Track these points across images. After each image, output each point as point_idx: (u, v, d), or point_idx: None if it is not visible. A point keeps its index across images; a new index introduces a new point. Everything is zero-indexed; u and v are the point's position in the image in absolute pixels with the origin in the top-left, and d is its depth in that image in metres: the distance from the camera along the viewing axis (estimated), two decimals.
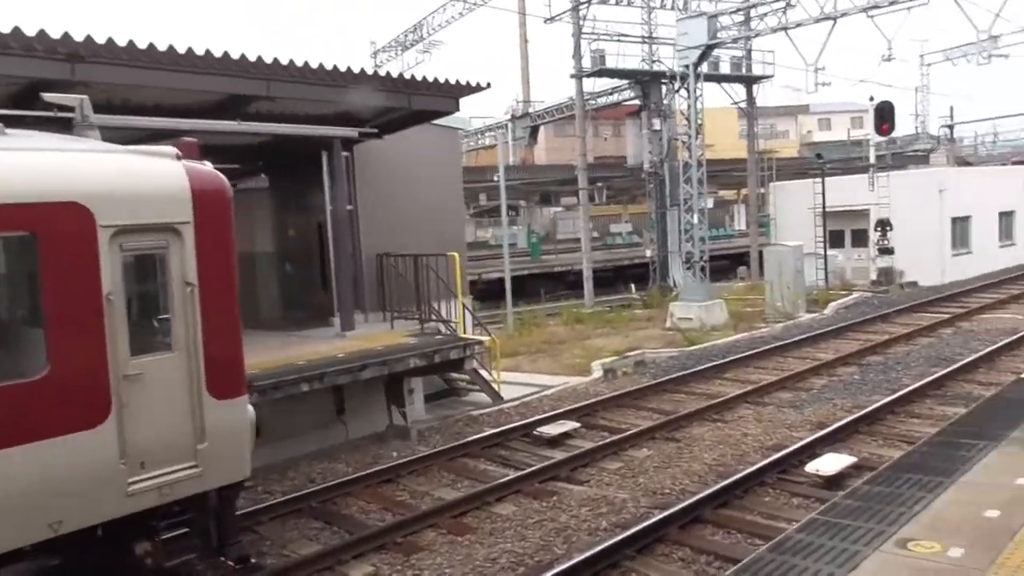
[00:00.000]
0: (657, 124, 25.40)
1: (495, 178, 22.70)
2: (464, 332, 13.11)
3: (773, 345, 16.26)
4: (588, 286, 26.22)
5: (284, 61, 9.68)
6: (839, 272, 26.20)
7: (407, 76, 10.78)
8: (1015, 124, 41.17)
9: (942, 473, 6.03)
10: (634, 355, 16.15)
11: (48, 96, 6.17)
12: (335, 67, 9.83)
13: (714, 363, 14.81)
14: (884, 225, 23.77)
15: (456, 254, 12.05)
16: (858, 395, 11.94)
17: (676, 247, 24.93)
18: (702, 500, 7.65)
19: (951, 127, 35.37)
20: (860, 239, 26.55)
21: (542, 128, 42.73)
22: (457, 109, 11.70)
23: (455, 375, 14.16)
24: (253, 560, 6.59)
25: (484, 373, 14.25)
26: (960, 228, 26.44)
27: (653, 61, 26.31)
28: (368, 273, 13.44)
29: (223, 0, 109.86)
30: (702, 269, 20.84)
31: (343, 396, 11.50)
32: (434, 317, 12.36)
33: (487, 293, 30.64)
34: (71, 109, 6.11)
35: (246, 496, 8.91)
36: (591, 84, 28.08)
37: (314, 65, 9.87)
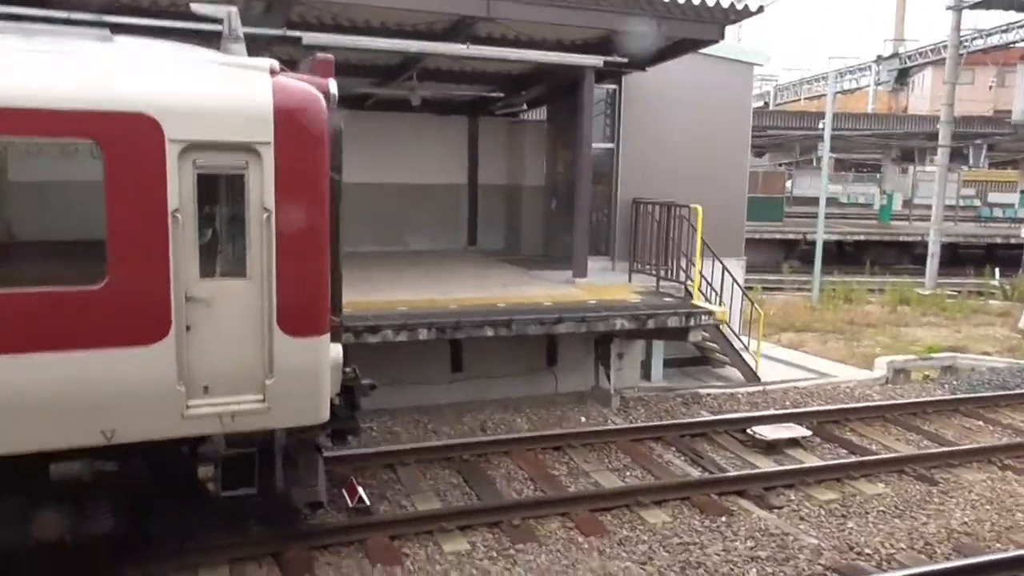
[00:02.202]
0: None
1: (820, 125, 19.64)
2: (705, 298, 11.43)
3: None
4: (932, 263, 21.99)
5: None
6: None
7: None
8: None
9: None
10: (944, 357, 13.00)
11: (195, 6, 6.05)
12: None
13: None
14: None
15: (699, 208, 10.35)
16: None
17: None
18: None
19: None
20: None
21: (928, 72, 36.36)
22: (720, 37, 9.80)
23: (711, 343, 12.61)
24: (324, 508, 6.23)
25: (741, 345, 12.56)
26: None
27: None
28: (627, 219, 12.33)
29: None
30: None
31: (556, 346, 10.75)
32: (670, 276, 10.90)
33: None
34: (219, 21, 5.91)
35: (404, 430, 8.76)
36: (979, 19, 22.85)
37: None
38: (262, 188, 5.21)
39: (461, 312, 8.97)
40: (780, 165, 39.03)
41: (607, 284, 11.20)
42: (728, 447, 8.79)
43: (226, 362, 5.30)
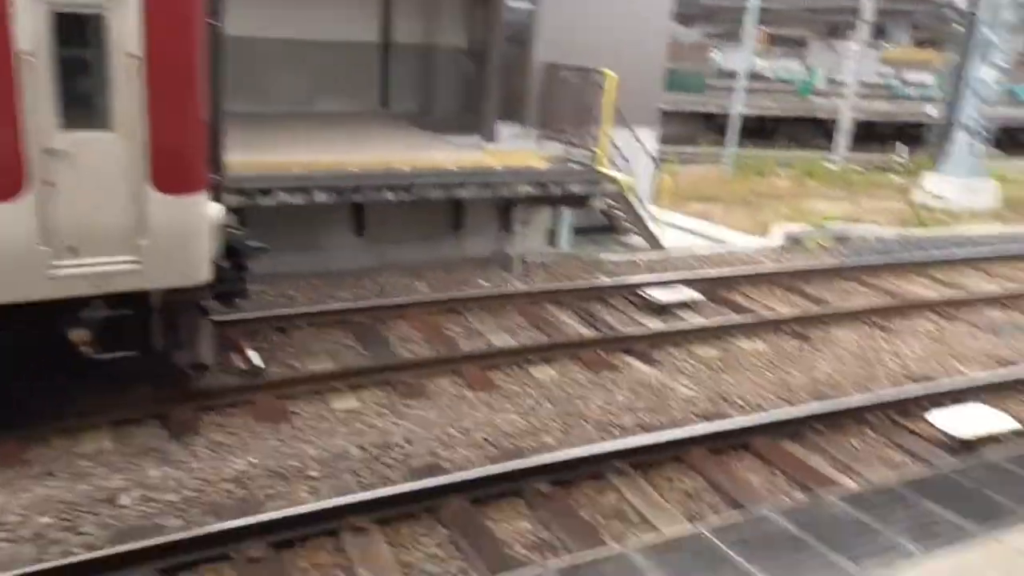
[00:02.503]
0: None
1: None
2: (616, 167, 11.52)
3: None
4: (842, 139, 22.47)
5: None
6: None
7: None
8: None
9: None
10: (837, 226, 13.54)
11: None
12: None
13: (931, 256, 11.93)
14: None
15: (612, 74, 10.24)
16: None
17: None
18: (758, 427, 6.00)
19: None
20: None
21: None
22: None
23: (618, 211, 12.80)
24: (208, 368, 6.25)
25: (648, 214, 12.80)
26: None
27: None
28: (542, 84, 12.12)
29: None
30: (980, 139, 16.67)
31: (460, 211, 10.76)
32: (580, 144, 10.89)
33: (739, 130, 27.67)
34: None
35: (301, 294, 8.76)
36: None
37: None
38: (127, 31, 4.91)
39: (361, 175, 8.84)
40: (708, 36, 38.60)
41: (517, 150, 11.12)
42: (622, 309, 9.12)
43: (94, 221, 5.13)
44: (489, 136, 11.06)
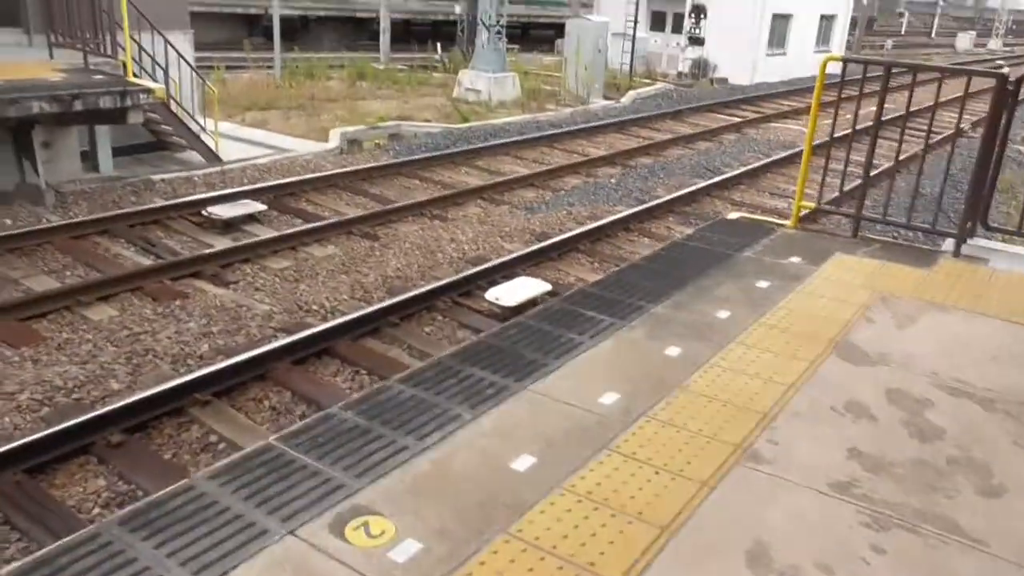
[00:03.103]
0: None
1: None
2: (150, 76, 10.49)
3: (547, 132, 14.76)
4: (384, 39, 23.25)
5: None
6: (652, 59, 24.71)
7: None
8: None
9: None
10: (390, 126, 14.16)
11: None
12: None
13: (474, 146, 13.15)
14: (699, 12, 22.14)
15: None
16: (602, 203, 10.76)
17: None
18: (337, 330, 6.16)
19: None
20: (681, 25, 24.90)
21: None
22: None
23: (165, 126, 11.68)
24: None
25: (199, 127, 11.93)
26: (779, 27, 25.30)
27: None
28: None
29: None
30: (498, 36, 18.51)
31: None
32: (103, 51, 9.60)
33: (282, 32, 26.84)
34: None
35: None
36: None
37: None
38: None
39: None
40: None
41: (20, 62, 9.43)
42: (184, 231, 8.52)
43: None
44: None
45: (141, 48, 11.08)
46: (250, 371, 5.50)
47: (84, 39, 9.69)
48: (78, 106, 8.36)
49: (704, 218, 10.38)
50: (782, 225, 6.66)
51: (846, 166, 6.50)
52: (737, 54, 23.93)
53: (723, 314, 4.77)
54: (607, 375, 3.95)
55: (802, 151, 14.56)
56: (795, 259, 5.80)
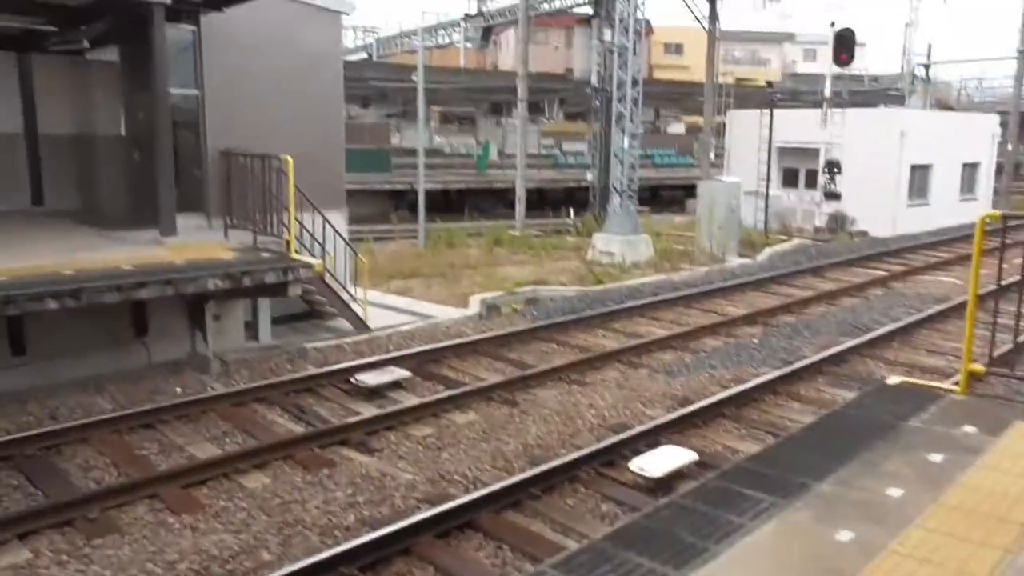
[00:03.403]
0: (608, 35, 23.01)
1: (413, 77, 20.43)
2: (308, 252, 11.39)
3: (683, 293, 14.68)
4: (520, 207, 24.37)
5: None
6: (786, 215, 24.55)
7: None
8: (1002, 69, 38.62)
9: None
10: (527, 290, 14.54)
11: None
12: None
13: (609, 308, 13.23)
14: (833, 167, 21.99)
15: (289, 158, 10.12)
16: (746, 364, 10.42)
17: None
18: (478, 501, 6.08)
19: (927, 67, 33.02)
20: (814, 180, 24.78)
21: (512, 32, 39.73)
22: None
23: (319, 296, 12.52)
24: None
25: (350, 296, 12.69)
26: (919, 177, 24.69)
27: None
28: (219, 171, 11.59)
29: None
30: (630, 200, 19.03)
31: (145, 314, 9.83)
32: (268, 230, 10.55)
33: (425, 205, 28.83)
34: None
35: None
36: None
37: None
38: None
39: (13, 284, 7.69)
40: (388, 116, 40.00)
41: (200, 242, 10.46)
42: (333, 398, 8.87)
43: None
44: (168, 230, 10.31)
45: (302, 226, 12.12)
46: (394, 545, 5.47)
47: (254, 221, 10.70)
48: (247, 282, 9.12)
49: (857, 379, 9.83)
50: (949, 390, 6.18)
51: (1019, 320, 6.03)
52: (876, 206, 23.41)
53: (895, 492, 4.38)
54: (773, 565, 3.65)
55: (957, 305, 13.86)
56: (969, 429, 5.32)
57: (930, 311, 13.37)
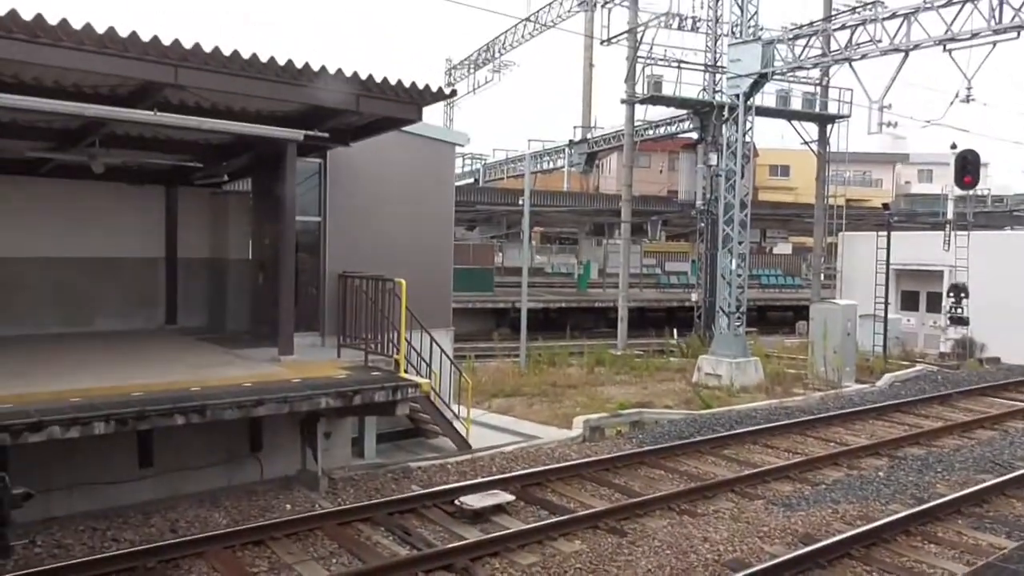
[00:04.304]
0: (713, 159, 23.31)
1: (520, 202, 21.10)
2: (415, 371, 11.61)
3: (797, 419, 14.03)
4: (622, 326, 24.29)
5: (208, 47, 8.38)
6: (907, 339, 23.41)
7: (357, 74, 9.29)
8: None
9: None
10: (631, 413, 14.22)
11: None
12: (256, 56, 8.45)
13: (719, 434, 12.75)
14: (959, 291, 20.98)
15: (403, 281, 10.48)
16: (873, 500, 9.73)
17: None
18: None
19: None
20: (936, 304, 23.68)
21: (614, 156, 40.81)
22: (418, 117, 10.14)
23: (423, 415, 12.63)
24: None
25: (453, 415, 12.74)
26: None
27: (715, 91, 24.26)
28: (335, 293, 12.14)
29: None
30: (738, 321, 18.64)
31: (260, 430, 10.12)
32: (379, 350, 10.84)
33: (527, 323, 29.16)
34: None
35: (78, 541, 7.65)
36: (649, 112, 26.24)
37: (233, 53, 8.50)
38: None
39: (146, 400, 8.09)
40: (492, 238, 41.27)
41: (315, 361, 10.84)
42: (437, 520, 8.76)
43: None
44: (286, 349, 10.73)
45: (411, 345, 12.40)
46: None
47: (366, 340, 11.03)
48: (357, 400, 9.30)
49: (1003, 523, 9.00)
50: None
51: None
52: (1009, 331, 22.05)
53: None
54: None
55: None
56: None
57: None
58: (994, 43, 14.49)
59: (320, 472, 9.63)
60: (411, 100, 9.92)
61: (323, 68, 8.92)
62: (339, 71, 9.08)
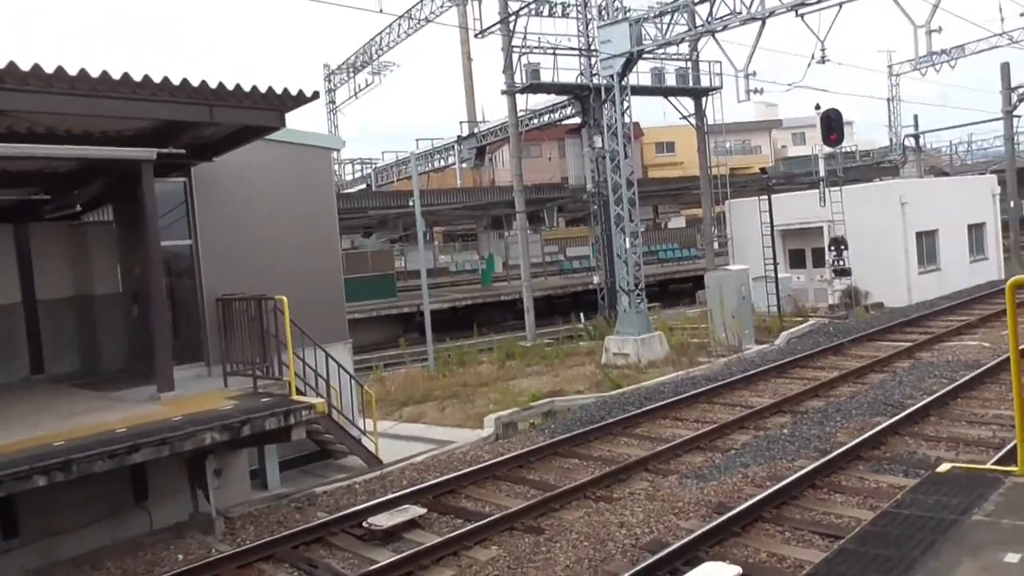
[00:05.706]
0: (598, 142, 23.40)
1: (410, 203, 20.64)
2: (314, 391, 11.06)
3: (704, 388, 14.16)
4: (529, 317, 24.17)
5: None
6: (798, 296, 24.18)
7: (207, 83, 8.66)
8: (989, 130, 39.20)
9: None
10: (543, 403, 14.05)
11: None
12: (85, 71, 7.73)
13: (629, 413, 12.70)
14: (839, 244, 21.79)
15: (284, 298, 9.91)
16: (780, 458, 9.83)
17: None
18: None
19: (916, 136, 33.40)
20: (821, 259, 24.56)
21: (506, 148, 40.70)
22: (282, 124, 9.56)
23: (327, 435, 12.06)
24: None
25: (359, 431, 12.24)
26: (926, 243, 24.45)
27: (592, 75, 24.37)
28: (217, 318, 11.41)
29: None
30: (639, 298, 18.75)
31: (144, 477, 9.39)
32: (268, 373, 10.24)
33: (433, 324, 28.67)
34: None
35: None
36: (531, 101, 26.19)
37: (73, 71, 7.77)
38: None
39: (3, 463, 7.32)
40: (390, 242, 40.52)
41: (199, 394, 10.12)
42: (346, 547, 8.30)
43: None
44: (165, 385, 9.96)
45: (305, 364, 11.80)
46: None
47: (254, 365, 10.39)
48: (246, 431, 8.70)
49: (901, 462, 9.22)
50: (1008, 472, 5.63)
51: None
52: (888, 277, 23.10)
53: None
54: None
55: (990, 369, 13.23)
56: None
57: (963, 378, 12.81)
58: (840, 4, 14.98)
59: (214, 513, 8.98)
60: (271, 106, 9.32)
61: (166, 79, 8.26)
62: (184, 80, 8.43)
